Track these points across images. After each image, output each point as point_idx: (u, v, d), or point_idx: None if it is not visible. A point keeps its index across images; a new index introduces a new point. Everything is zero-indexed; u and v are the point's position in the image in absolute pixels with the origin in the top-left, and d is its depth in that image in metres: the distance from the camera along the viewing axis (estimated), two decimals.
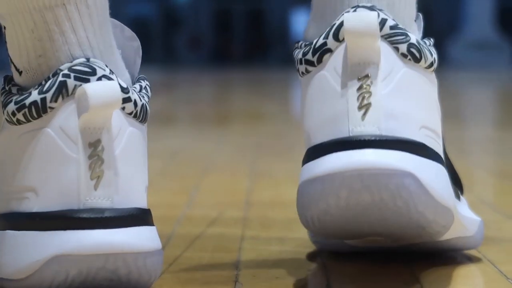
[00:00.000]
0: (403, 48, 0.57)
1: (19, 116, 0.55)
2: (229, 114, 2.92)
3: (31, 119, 0.55)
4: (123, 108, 0.55)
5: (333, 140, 0.55)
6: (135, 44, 0.64)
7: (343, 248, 0.67)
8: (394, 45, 0.57)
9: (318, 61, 0.57)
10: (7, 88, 0.58)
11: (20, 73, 0.58)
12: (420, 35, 0.61)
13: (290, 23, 21.67)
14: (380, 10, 0.57)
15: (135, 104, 0.56)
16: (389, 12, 0.58)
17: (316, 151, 0.56)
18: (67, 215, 0.53)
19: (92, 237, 0.52)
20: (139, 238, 0.53)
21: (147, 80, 0.62)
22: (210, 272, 0.67)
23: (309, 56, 0.58)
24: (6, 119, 0.56)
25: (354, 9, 0.57)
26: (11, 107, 0.55)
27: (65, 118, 0.54)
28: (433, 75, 0.60)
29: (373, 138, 0.54)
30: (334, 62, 0.57)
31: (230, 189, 1.15)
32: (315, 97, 0.58)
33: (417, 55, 0.57)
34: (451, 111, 2.96)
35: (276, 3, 21.32)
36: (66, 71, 0.54)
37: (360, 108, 0.55)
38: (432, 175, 0.55)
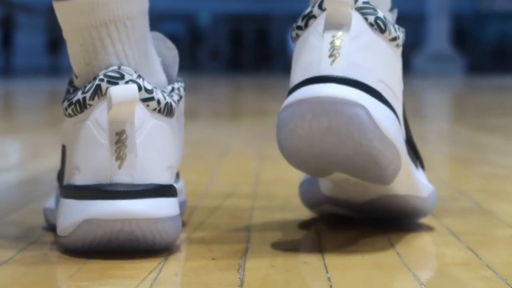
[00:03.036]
0: (371, 19, 0.58)
1: (69, 110, 0.58)
2: (240, 111, 2.91)
3: (76, 113, 0.58)
4: (148, 105, 0.57)
5: (305, 78, 0.56)
6: (174, 53, 0.67)
7: (322, 205, 0.68)
8: (364, 15, 0.58)
9: (305, 25, 0.59)
10: (68, 88, 0.61)
11: (76, 77, 0.61)
12: (393, 19, 0.62)
13: (288, 40, 21.63)
14: None
15: (159, 102, 0.58)
16: None
17: (293, 88, 0.57)
18: (96, 188, 0.56)
19: (113, 206, 0.55)
20: (152, 207, 0.55)
21: (182, 82, 0.64)
22: (227, 234, 0.67)
23: (299, 22, 0.60)
24: (63, 113, 0.59)
25: None
26: (65, 103, 0.59)
27: (99, 113, 0.57)
28: (398, 51, 0.60)
29: (337, 76, 0.55)
30: (317, 24, 0.59)
31: (242, 169, 1.15)
32: (300, 52, 0.59)
33: (382, 26, 0.58)
34: (415, 109, 2.95)
35: (277, 25, 21.28)
36: (101, 76, 0.57)
37: (330, 56, 0.56)
38: (381, 114, 0.56)
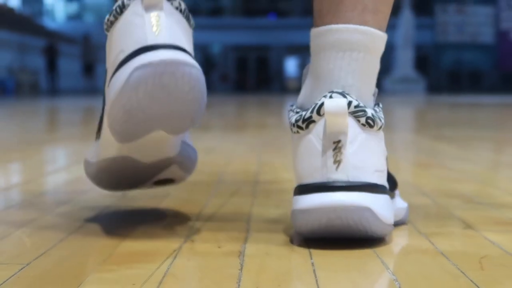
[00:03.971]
0: (362, 120, 0.57)
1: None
2: (244, 124, 2.91)
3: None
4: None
5: (316, 183, 0.56)
6: None
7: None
8: (357, 118, 0.57)
9: (306, 127, 0.58)
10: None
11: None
12: (374, 102, 0.61)
13: (284, 66, 21.74)
14: (348, 94, 0.57)
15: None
16: (355, 92, 0.58)
17: (304, 189, 0.57)
18: (139, 49, 0.55)
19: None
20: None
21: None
22: (231, 226, 0.66)
23: (300, 123, 0.58)
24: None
25: (330, 94, 0.57)
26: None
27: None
28: (381, 133, 0.60)
29: (343, 184, 0.55)
30: (317, 129, 0.57)
31: (244, 172, 1.14)
32: (304, 152, 0.58)
33: (372, 123, 0.58)
34: (386, 122, 2.95)
35: (274, 54, 21.35)
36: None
37: (334, 162, 0.56)
38: (381, 206, 0.56)
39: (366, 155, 0.57)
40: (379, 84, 0.64)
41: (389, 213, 0.58)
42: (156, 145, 0.63)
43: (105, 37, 0.62)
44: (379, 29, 0.59)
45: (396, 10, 13.67)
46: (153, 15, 0.57)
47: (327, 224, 0.56)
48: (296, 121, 0.59)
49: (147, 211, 0.79)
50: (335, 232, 0.56)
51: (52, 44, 13.73)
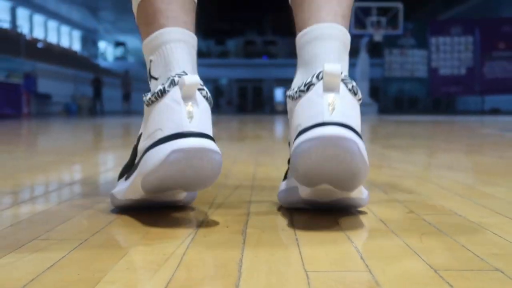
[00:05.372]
0: (349, 86, 0.56)
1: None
2: (244, 136, 2.90)
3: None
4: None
5: (315, 123, 0.53)
6: None
7: (298, 203, 0.64)
8: (345, 84, 0.56)
9: (307, 90, 0.56)
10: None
11: (156, 79, 0.59)
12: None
13: (273, 94, 21.76)
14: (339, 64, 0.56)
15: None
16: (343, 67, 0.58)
17: (305, 129, 0.54)
18: (176, 134, 0.54)
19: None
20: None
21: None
22: (236, 211, 0.66)
23: (302, 88, 0.56)
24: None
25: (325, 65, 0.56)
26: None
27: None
28: (359, 104, 0.58)
29: (337, 122, 0.53)
30: (316, 89, 0.55)
31: (245, 172, 1.14)
32: (305, 106, 0.56)
33: (355, 91, 0.56)
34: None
35: (267, 85, 21.36)
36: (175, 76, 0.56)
37: (330, 111, 0.54)
38: (363, 147, 0.54)
39: (351, 111, 0.54)
40: None
41: (366, 154, 0.54)
42: (174, 195, 0.63)
43: (143, 105, 0.61)
44: (347, 29, 0.60)
45: (355, 53, 13.70)
46: (189, 105, 0.55)
47: (322, 153, 0.52)
48: (299, 87, 0.57)
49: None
50: (327, 160, 0.52)
51: (98, 77, 13.75)
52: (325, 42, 0.57)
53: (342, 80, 0.56)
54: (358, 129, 0.55)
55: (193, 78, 0.55)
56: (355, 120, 0.54)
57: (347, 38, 0.59)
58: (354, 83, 0.57)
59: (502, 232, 0.54)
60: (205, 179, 0.55)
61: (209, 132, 0.55)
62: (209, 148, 0.53)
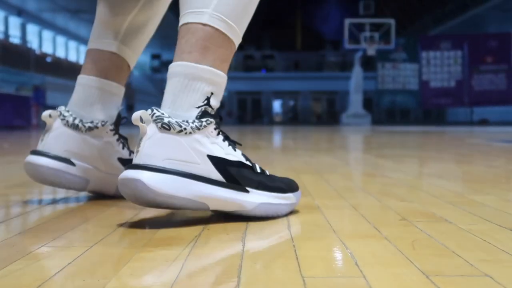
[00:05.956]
0: (159, 125, 0.59)
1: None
2: (244, 146, 2.90)
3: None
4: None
5: (130, 164, 0.59)
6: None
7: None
8: (156, 123, 0.59)
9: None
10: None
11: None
12: (200, 112, 0.62)
13: (271, 106, 21.80)
14: (156, 108, 0.60)
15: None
16: (169, 105, 0.61)
17: (127, 164, 0.64)
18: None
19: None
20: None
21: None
22: (237, 217, 0.66)
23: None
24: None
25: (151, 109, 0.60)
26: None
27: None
28: (192, 136, 0.60)
29: (138, 164, 0.58)
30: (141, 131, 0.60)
31: None
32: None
33: (167, 127, 0.59)
34: (344, 146, 2.95)
35: (265, 97, 21.41)
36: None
37: (136, 152, 0.60)
38: (157, 180, 0.58)
39: (156, 148, 0.59)
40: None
41: (166, 186, 0.58)
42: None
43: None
44: (195, 62, 0.62)
45: (350, 66, 13.77)
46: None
47: (123, 190, 0.59)
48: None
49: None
50: (128, 194, 0.58)
51: None
52: (169, 80, 0.62)
53: (154, 120, 0.59)
54: (167, 161, 0.58)
55: None
56: (159, 155, 0.58)
57: (192, 70, 0.61)
58: (166, 120, 0.59)
59: (491, 239, 0.54)
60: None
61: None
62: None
